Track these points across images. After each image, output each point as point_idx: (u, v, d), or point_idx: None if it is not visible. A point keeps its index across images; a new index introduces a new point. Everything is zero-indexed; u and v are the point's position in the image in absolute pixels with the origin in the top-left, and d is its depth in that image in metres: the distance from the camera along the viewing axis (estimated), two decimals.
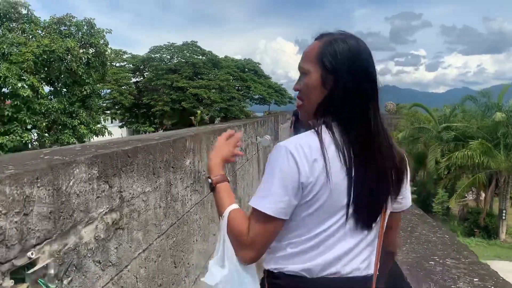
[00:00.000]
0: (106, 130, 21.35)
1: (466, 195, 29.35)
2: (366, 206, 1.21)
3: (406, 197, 1.41)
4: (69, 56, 17.03)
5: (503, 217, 19.90)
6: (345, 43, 1.23)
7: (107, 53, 19.94)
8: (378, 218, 1.27)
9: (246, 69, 37.14)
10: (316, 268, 1.21)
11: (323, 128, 1.22)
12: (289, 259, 1.24)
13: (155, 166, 2.19)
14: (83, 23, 18.75)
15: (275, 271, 1.27)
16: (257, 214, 1.22)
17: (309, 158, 1.16)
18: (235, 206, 1.35)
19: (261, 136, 5.98)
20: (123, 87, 31.45)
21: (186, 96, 29.74)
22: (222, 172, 1.45)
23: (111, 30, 19.83)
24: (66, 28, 18.52)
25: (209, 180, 1.43)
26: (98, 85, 24.05)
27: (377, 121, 1.23)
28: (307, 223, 1.22)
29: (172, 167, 2.51)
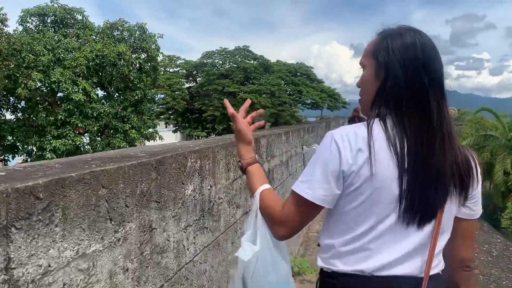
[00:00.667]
0: (157, 134, 21.26)
1: None
2: (417, 204, 1.14)
3: (478, 202, 1.31)
4: (121, 61, 17.03)
5: None
6: (400, 37, 1.20)
7: (158, 58, 19.79)
8: (433, 220, 1.18)
9: (298, 73, 36.24)
10: (368, 269, 1.17)
11: (376, 120, 1.17)
12: (342, 258, 1.20)
13: (115, 205, 1.32)
14: (135, 28, 18.75)
15: (329, 270, 1.24)
16: (295, 197, 1.21)
17: (353, 147, 1.13)
18: (267, 186, 1.38)
19: (308, 145, 5.06)
20: (176, 92, 31.65)
21: (237, 101, 29.35)
22: (251, 155, 1.47)
23: (162, 35, 19.74)
24: (119, 33, 18.58)
25: (239, 164, 1.47)
26: (152, 90, 24.33)
27: (442, 117, 1.16)
28: (353, 217, 1.18)
29: (156, 201, 1.61)
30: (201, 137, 36.67)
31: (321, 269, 1.27)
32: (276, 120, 33.17)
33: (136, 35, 18.63)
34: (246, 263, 1.28)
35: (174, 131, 38.58)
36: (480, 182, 1.30)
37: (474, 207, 1.29)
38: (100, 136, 18.43)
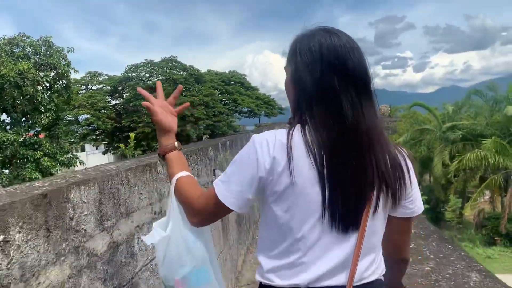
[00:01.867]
0: (77, 159, 18.99)
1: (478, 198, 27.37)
2: (340, 213, 1.10)
3: (414, 201, 1.24)
4: (24, 81, 14.90)
5: None
6: (307, 39, 1.17)
7: (70, 74, 17.69)
8: (359, 228, 1.13)
9: (232, 82, 35.17)
10: (304, 282, 1.14)
11: (297, 126, 1.14)
12: (277, 273, 1.17)
13: None
14: (40, 43, 16.65)
15: (267, 285, 1.20)
16: (212, 194, 1.18)
17: (271, 153, 1.09)
18: (185, 173, 1.32)
19: (222, 168, 3.59)
20: (101, 111, 29.35)
21: None
22: (170, 141, 1.40)
23: (73, 48, 17.69)
24: (20, 49, 16.39)
25: (158, 152, 1.41)
26: (67, 110, 22.00)
27: (359, 119, 1.10)
28: (281, 228, 1.14)
29: None
30: (136, 155, 34.47)
31: (260, 283, 1.23)
32: (212, 131, 31.82)
33: (42, 51, 16.55)
34: (157, 248, 1.31)
35: (104, 153, 35.98)
36: (415, 181, 1.23)
37: (410, 205, 1.24)
38: (8, 168, 16.11)
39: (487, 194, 26.54)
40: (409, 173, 1.21)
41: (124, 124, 28.61)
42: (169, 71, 29.60)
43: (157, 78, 30.51)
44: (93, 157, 45.77)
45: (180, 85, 1.54)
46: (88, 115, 28.70)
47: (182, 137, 30.31)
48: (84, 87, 31.20)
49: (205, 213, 1.23)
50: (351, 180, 1.10)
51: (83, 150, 48.66)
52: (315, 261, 1.13)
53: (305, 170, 1.08)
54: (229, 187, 1.15)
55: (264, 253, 1.21)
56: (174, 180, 1.31)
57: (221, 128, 29.39)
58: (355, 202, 1.12)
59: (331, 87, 1.10)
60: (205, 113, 27.94)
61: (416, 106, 26.45)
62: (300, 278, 1.14)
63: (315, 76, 1.11)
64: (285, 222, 1.13)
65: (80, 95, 29.46)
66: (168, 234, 1.30)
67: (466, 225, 21.12)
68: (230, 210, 1.18)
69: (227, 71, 35.74)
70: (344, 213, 1.11)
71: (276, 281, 1.16)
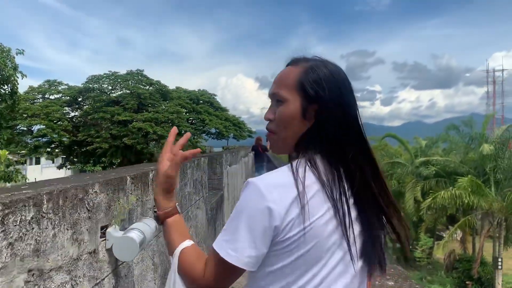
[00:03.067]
0: (19, 173, 16.89)
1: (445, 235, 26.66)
2: (362, 256, 1.05)
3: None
4: None
5: (499, 267, 16.91)
6: (326, 69, 1.11)
7: (17, 78, 15.82)
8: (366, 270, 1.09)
9: (201, 101, 33.79)
10: None
11: (302, 162, 1.05)
12: None
13: None
14: None
15: None
16: (217, 259, 1.02)
17: (284, 198, 0.98)
18: (189, 242, 1.16)
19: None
20: (58, 122, 27.23)
21: (129, 130, 25.90)
22: (170, 204, 1.22)
23: (23, 50, 15.88)
24: None
25: (155, 214, 1.24)
26: (25, 119, 19.90)
27: (369, 156, 1.10)
28: (287, 275, 1.02)
29: None
30: (96, 171, 32.18)
31: None
32: None
33: None
34: None
35: (60, 167, 33.46)
36: None
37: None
38: None
39: (458, 234, 25.95)
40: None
41: (81, 138, 26.55)
42: (133, 85, 27.93)
43: (121, 91, 28.78)
44: (48, 171, 42.86)
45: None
46: (43, 126, 26.56)
47: (145, 156, 28.53)
48: (40, 95, 29.06)
49: (214, 286, 1.05)
50: (370, 225, 1.06)
51: (38, 163, 45.77)
52: None
53: (321, 211, 1.00)
54: (238, 245, 1.00)
55: None
56: (177, 252, 1.13)
57: (186, 148, 27.75)
58: (372, 247, 1.07)
59: (349, 123, 1.08)
60: (169, 131, 26.35)
61: (388, 137, 25.73)
62: None
63: (338, 110, 1.07)
64: (291, 270, 1.02)
65: (35, 104, 27.34)
66: None
67: (436, 265, 20.13)
68: (240, 273, 1.03)
69: (196, 90, 34.33)
70: (365, 258, 1.06)
71: None
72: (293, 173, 1.01)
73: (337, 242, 1.01)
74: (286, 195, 0.98)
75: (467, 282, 17.77)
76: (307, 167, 1.03)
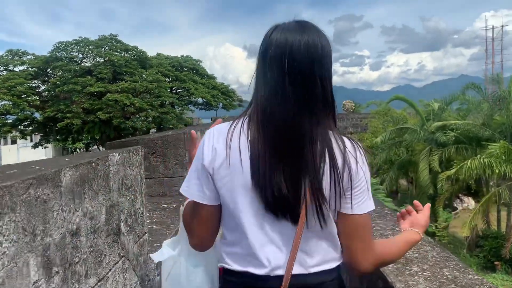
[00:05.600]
0: None
1: (458, 206, 24.41)
2: (275, 197, 1.08)
3: (359, 197, 1.12)
4: None
5: None
6: (270, 31, 1.15)
7: None
8: (295, 211, 1.09)
9: (185, 68, 30.61)
10: (256, 270, 1.13)
11: (245, 118, 1.15)
12: (229, 258, 1.18)
13: None
14: None
15: (226, 269, 1.20)
16: (185, 198, 1.23)
17: (214, 143, 1.12)
18: None
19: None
20: (23, 97, 24.12)
21: (104, 103, 22.95)
22: None
23: None
24: None
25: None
26: None
27: (303, 115, 1.08)
28: (225, 215, 1.17)
29: None
30: (79, 150, 29.44)
31: (222, 268, 1.24)
32: (160, 125, 27.28)
33: None
34: (163, 265, 1.37)
35: (34, 146, 30.48)
36: (361, 175, 1.11)
37: (353, 202, 1.12)
38: None
39: (470, 204, 23.67)
40: (354, 165, 1.10)
41: (49, 114, 23.53)
42: (106, 52, 24.71)
43: (93, 60, 25.59)
44: (25, 152, 39.70)
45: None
46: (6, 102, 23.46)
47: (128, 131, 25.67)
48: (3, 67, 25.79)
49: (193, 227, 1.21)
50: (284, 177, 1.07)
51: (14, 142, 42.64)
52: (260, 249, 1.12)
53: (242, 162, 1.08)
54: (188, 180, 1.16)
55: (223, 241, 1.22)
56: (185, 202, 1.29)
57: (169, 121, 24.89)
58: (288, 188, 1.08)
59: (273, 81, 1.09)
60: (149, 103, 23.35)
61: (398, 100, 23.01)
62: (251, 266, 1.14)
63: (260, 68, 1.13)
64: (225, 210, 1.15)
65: None
66: (176, 254, 1.37)
67: (457, 243, 17.89)
68: (206, 209, 1.16)
69: (179, 56, 31.05)
70: (278, 202, 1.08)
71: (233, 265, 1.17)
72: (231, 123, 1.13)
73: (255, 189, 1.08)
74: (217, 141, 1.11)
75: (495, 263, 15.51)
76: (241, 120, 1.13)
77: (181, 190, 1.16)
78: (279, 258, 1.11)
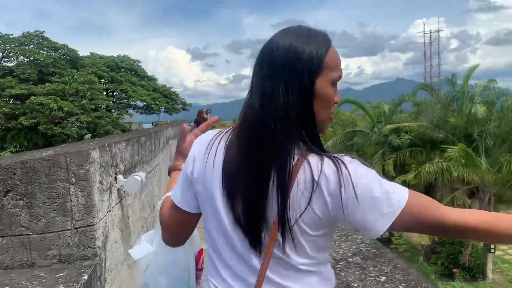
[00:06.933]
0: None
1: None
2: (245, 207, 1.00)
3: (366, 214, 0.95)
4: None
5: (491, 250, 14.22)
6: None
7: None
8: (262, 238, 0.99)
9: (122, 69, 28.20)
10: None
11: (231, 129, 1.11)
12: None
13: None
14: None
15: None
16: (169, 199, 1.19)
17: (197, 152, 1.09)
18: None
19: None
20: None
21: (28, 108, 20.25)
22: (178, 162, 1.40)
23: None
24: None
25: (168, 169, 1.45)
26: None
27: (263, 117, 0.99)
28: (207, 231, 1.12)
29: None
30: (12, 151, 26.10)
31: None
32: (95, 130, 24.71)
33: None
34: (141, 260, 1.38)
35: None
36: (344, 191, 0.94)
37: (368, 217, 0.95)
38: None
39: None
40: (321, 184, 0.95)
41: None
42: (31, 50, 22.01)
43: (16, 59, 22.73)
44: None
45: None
46: None
47: (58, 137, 22.99)
48: None
49: (168, 224, 1.19)
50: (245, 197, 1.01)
51: None
52: (224, 275, 1.07)
53: (217, 174, 1.04)
54: (177, 185, 1.15)
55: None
56: (163, 197, 1.28)
57: (103, 126, 22.55)
58: (254, 213, 1.00)
59: (254, 88, 1.04)
60: (80, 106, 20.95)
61: (348, 102, 22.28)
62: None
63: (252, 74, 1.06)
64: (205, 224, 1.12)
65: None
66: (153, 249, 1.37)
67: (413, 251, 17.25)
68: (186, 215, 1.14)
69: (115, 55, 28.64)
70: (248, 224, 1.01)
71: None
72: (221, 130, 1.11)
73: (223, 212, 1.04)
74: (199, 150, 1.08)
75: (453, 270, 14.95)
76: (229, 131, 1.09)
77: (169, 193, 1.18)
78: None
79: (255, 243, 0.99)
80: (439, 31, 58.29)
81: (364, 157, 19.88)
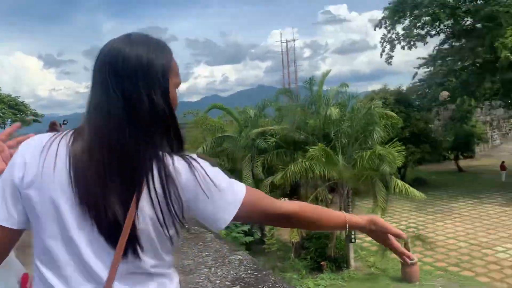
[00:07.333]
0: None
1: None
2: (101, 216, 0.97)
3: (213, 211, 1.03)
4: None
5: (352, 239, 15.48)
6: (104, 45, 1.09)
7: None
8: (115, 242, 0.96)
9: None
10: None
11: (73, 131, 1.05)
12: None
13: None
14: None
15: None
16: None
17: (29, 157, 0.99)
18: None
19: None
20: None
21: None
22: None
23: None
24: None
25: None
26: None
27: (115, 123, 0.98)
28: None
29: None
30: None
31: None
32: None
33: None
34: None
35: None
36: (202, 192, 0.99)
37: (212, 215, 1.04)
38: None
39: None
40: (175, 180, 1.00)
41: None
42: None
43: None
44: None
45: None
46: None
47: None
48: None
49: None
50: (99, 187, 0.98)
51: None
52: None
53: (57, 178, 0.97)
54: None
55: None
56: None
57: None
58: (100, 213, 0.97)
59: (98, 95, 1.02)
60: None
61: (217, 109, 22.30)
62: None
63: (92, 81, 1.05)
64: (40, 236, 1.01)
65: None
66: None
67: (285, 248, 17.94)
68: (5, 230, 1.01)
69: None
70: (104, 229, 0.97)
71: None
72: (51, 136, 1.03)
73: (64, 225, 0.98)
74: (33, 153, 1.00)
75: (321, 263, 15.93)
76: (70, 133, 1.04)
77: None
78: None
79: (106, 247, 0.96)
80: (294, 40, 62.43)
81: (235, 161, 20.17)
